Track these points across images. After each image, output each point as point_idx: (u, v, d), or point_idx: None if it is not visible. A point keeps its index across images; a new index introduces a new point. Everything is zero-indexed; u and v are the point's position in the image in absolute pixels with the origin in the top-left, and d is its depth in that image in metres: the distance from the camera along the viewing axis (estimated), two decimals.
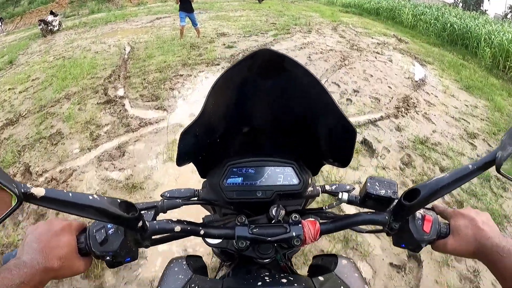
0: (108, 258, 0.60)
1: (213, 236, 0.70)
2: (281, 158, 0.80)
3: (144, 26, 12.29)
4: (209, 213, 0.94)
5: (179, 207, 0.78)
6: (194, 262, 0.83)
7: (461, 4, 51.21)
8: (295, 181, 0.79)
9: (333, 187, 0.86)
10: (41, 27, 13.27)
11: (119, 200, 0.56)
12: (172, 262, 0.82)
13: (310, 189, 0.83)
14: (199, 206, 0.92)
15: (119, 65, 7.18)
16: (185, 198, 0.81)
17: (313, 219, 0.72)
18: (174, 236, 0.70)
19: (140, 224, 0.59)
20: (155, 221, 0.65)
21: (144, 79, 6.06)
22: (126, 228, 0.61)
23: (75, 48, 9.61)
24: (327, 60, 7.32)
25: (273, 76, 0.65)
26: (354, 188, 0.85)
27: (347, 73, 6.55)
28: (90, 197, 0.50)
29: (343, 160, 0.77)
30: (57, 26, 14.14)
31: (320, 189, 0.86)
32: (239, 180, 0.78)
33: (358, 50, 8.83)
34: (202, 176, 0.88)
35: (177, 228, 0.65)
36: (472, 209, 0.68)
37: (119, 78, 6.31)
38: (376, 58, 8.15)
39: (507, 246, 0.57)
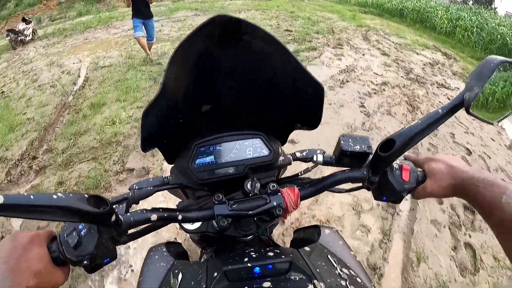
0: (85, 262, 0.55)
1: (192, 220, 0.67)
2: (248, 131, 0.77)
3: (122, 36, 9.62)
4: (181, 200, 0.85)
5: (151, 194, 0.74)
6: (175, 249, 0.84)
7: (471, 2, 48.74)
8: (265, 152, 0.77)
9: (304, 153, 0.81)
10: (9, 38, 10.95)
11: (86, 195, 0.50)
12: (152, 250, 0.82)
13: (281, 158, 0.80)
14: (170, 196, 0.90)
15: (48, 124, 4.72)
16: (155, 187, 0.74)
17: (291, 186, 0.71)
18: (152, 227, 0.66)
19: (113, 218, 0.54)
20: (129, 213, 0.61)
21: (61, 182, 3.37)
22: (99, 226, 0.56)
23: (25, 74, 7.28)
24: (391, 112, 4.67)
25: (233, 44, 0.63)
26: (324, 152, 0.81)
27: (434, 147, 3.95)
28: (54, 196, 0.45)
29: (312, 121, 0.76)
30: (30, 35, 11.77)
31: (291, 157, 0.82)
32: (208, 159, 0.75)
33: (419, 82, 6.22)
34: (169, 162, 0.83)
35: (153, 217, 0.63)
36: (442, 154, 0.70)
37: (29, 170, 3.65)
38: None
39: (481, 176, 0.60)
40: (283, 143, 0.86)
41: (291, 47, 7.10)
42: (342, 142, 0.69)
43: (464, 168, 0.64)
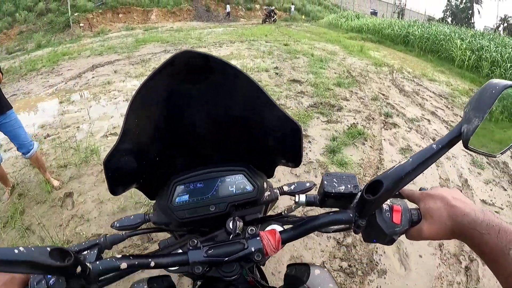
0: None
1: (165, 266, 0.61)
2: (230, 166, 0.73)
3: (55, 92, 6.48)
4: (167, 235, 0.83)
5: (124, 240, 0.70)
6: (159, 284, 0.75)
7: (450, 19, 48.56)
8: (248, 188, 0.72)
9: (292, 187, 0.77)
10: None
11: (49, 249, 0.46)
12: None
13: (267, 193, 0.75)
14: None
15: None
16: (136, 225, 0.73)
17: (272, 229, 0.65)
18: (125, 272, 0.60)
19: (79, 269, 0.51)
20: (98, 262, 0.57)
21: None
22: (65, 277, 0.52)
23: None
24: None
25: (201, 80, 0.60)
26: (314, 185, 0.78)
27: None
28: (16, 251, 0.43)
29: (293, 159, 0.72)
30: None
31: (278, 191, 0.77)
32: (187, 197, 0.70)
33: None
34: (150, 198, 0.77)
35: (123, 265, 0.58)
36: (440, 187, 0.62)
37: None
38: None
39: (484, 220, 0.52)
40: (269, 176, 0.79)
41: (321, 141, 4.17)
42: (325, 182, 0.64)
43: (465, 209, 0.54)
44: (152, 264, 0.60)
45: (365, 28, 18.13)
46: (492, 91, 0.53)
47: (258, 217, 0.76)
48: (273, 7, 25.37)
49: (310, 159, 3.64)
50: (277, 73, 6.92)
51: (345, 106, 5.25)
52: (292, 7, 29.92)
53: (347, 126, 4.52)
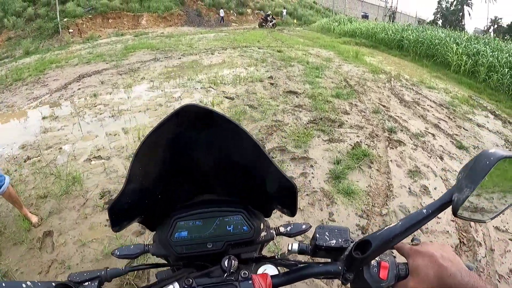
0: None
1: None
2: (229, 207, 0.75)
3: (39, 105, 5.98)
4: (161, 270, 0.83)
5: (125, 274, 0.71)
6: None
7: (440, 21, 48.88)
8: (245, 228, 0.73)
9: (288, 228, 0.78)
10: None
11: (53, 284, 0.54)
12: None
13: (263, 233, 0.77)
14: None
15: None
16: (135, 255, 0.74)
17: (264, 273, 0.67)
18: None
19: None
20: None
21: None
22: None
23: None
24: None
25: (204, 130, 0.64)
26: (310, 227, 0.79)
27: None
28: (24, 285, 0.48)
29: (289, 210, 0.74)
30: None
31: (274, 232, 0.78)
32: (186, 233, 0.72)
33: None
34: (150, 230, 0.80)
35: None
36: (431, 243, 0.61)
37: None
38: None
39: (470, 282, 0.52)
40: (267, 216, 0.80)
41: (324, 165, 3.76)
42: (317, 235, 0.66)
43: (452, 269, 0.54)
44: None
45: (358, 32, 17.91)
46: (486, 161, 0.54)
47: (253, 256, 0.76)
48: (269, 12, 25.09)
49: (314, 188, 3.27)
50: (272, 84, 6.55)
51: (346, 121, 4.90)
52: (284, 11, 29.68)
53: (351, 145, 4.16)
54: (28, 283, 0.48)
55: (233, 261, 0.66)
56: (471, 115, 6.62)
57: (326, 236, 0.66)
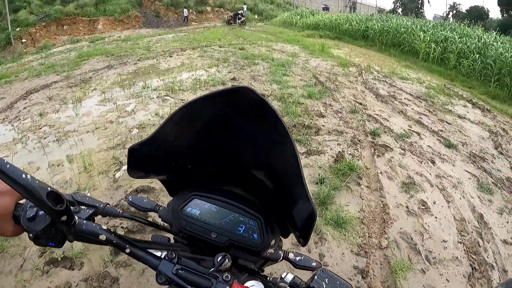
0: (31, 235, 0.57)
1: (137, 259, 0.62)
2: (249, 208, 0.70)
3: None
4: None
5: (118, 217, 0.75)
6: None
7: (400, 9, 49.89)
8: (255, 236, 0.68)
9: (297, 258, 0.71)
10: None
11: (49, 189, 0.51)
12: None
13: (270, 251, 0.71)
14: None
15: None
16: (144, 208, 0.74)
17: (247, 284, 0.62)
18: (100, 242, 0.63)
19: (64, 218, 0.55)
20: (85, 221, 0.61)
21: None
22: (51, 217, 0.57)
23: None
24: None
25: (249, 119, 0.60)
26: (320, 266, 0.69)
27: None
28: (23, 175, 0.48)
29: (302, 237, 0.67)
30: None
31: (282, 254, 0.71)
32: (198, 213, 0.70)
33: None
34: (170, 195, 0.79)
35: (102, 237, 0.61)
36: None
37: None
38: None
39: None
40: (284, 236, 0.74)
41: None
42: (315, 277, 0.61)
43: None
44: (127, 251, 0.62)
45: (321, 24, 17.49)
46: None
47: (249, 267, 0.70)
48: (241, 11, 24.31)
49: None
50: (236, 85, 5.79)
51: (323, 125, 4.24)
52: (245, 7, 28.91)
53: (333, 157, 3.50)
54: (28, 176, 0.48)
55: (227, 260, 0.63)
56: (450, 106, 6.22)
57: (324, 284, 0.60)
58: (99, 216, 0.67)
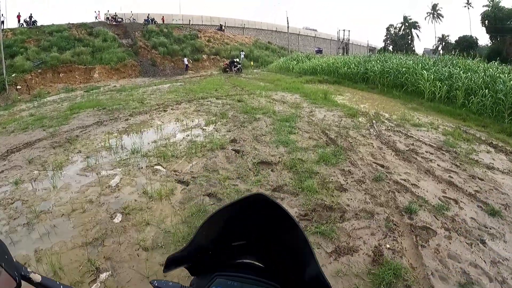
0: None
1: None
2: (267, 279, 0.78)
3: None
4: None
5: None
6: None
7: (391, 47, 50.97)
8: None
9: None
10: None
11: None
12: None
13: None
14: None
15: None
16: None
17: None
18: None
19: None
20: None
21: None
22: None
23: None
24: None
25: (264, 218, 0.67)
26: None
27: None
28: None
29: None
30: None
31: None
32: None
33: None
34: (192, 274, 0.86)
35: None
36: None
37: None
38: None
39: None
40: None
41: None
42: None
43: None
44: None
45: (319, 69, 17.30)
46: None
47: None
48: (237, 59, 24.48)
49: None
50: (237, 151, 5.13)
51: (347, 205, 3.50)
52: (242, 53, 29.27)
53: (369, 255, 2.73)
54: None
55: None
56: (474, 155, 5.59)
57: None
58: None
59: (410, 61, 13.00)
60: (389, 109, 9.16)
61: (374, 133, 6.26)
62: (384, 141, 5.82)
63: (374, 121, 7.15)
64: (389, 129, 6.67)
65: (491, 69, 10.70)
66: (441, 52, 45.50)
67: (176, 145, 5.70)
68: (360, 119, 7.36)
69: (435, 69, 11.67)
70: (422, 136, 6.46)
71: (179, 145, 5.70)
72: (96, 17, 30.28)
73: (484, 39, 51.58)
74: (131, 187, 4.35)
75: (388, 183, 4.13)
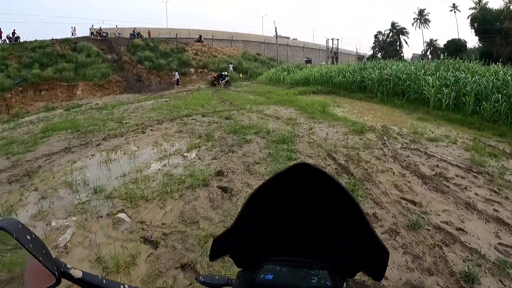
0: None
1: None
2: (317, 261, 0.76)
3: None
4: None
5: None
6: None
7: (379, 54, 50.69)
8: (328, 284, 0.72)
9: None
10: None
11: None
12: None
13: None
14: None
15: None
16: (217, 285, 0.79)
17: None
18: None
19: None
20: None
21: None
22: None
23: None
24: None
25: (310, 188, 0.67)
26: None
27: None
28: (121, 287, 0.53)
29: (375, 275, 0.72)
30: None
31: None
32: (271, 277, 0.73)
33: None
34: (238, 266, 0.81)
35: None
36: None
37: None
38: None
39: None
40: (350, 276, 0.77)
41: None
42: None
43: None
44: None
45: (312, 79, 16.37)
46: None
47: None
48: (225, 72, 23.55)
49: None
50: (223, 189, 4.03)
51: (385, 277, 2.40)
52: (230, 66, 28.38)
53: None
54: (126, 286, 0.53)
55: None
56: (509, 174, 4.67)
57: None
58: None
59: (411, 66, 12.10)
60: (396, 121, 8.20)
61: (390, 154, 5.23)
62: (404, 164, 4.78)
63: (385, 138, 6.12)
64: (405, 147, 5.65)
65: (501, 72, 9.84)
66: (429, 57, 45.30)
67: (149, 180, 4.59)
68: (368, 135, 6.34)
69: (439, 74, 10.79)
70: (443, 153, 5.46)
71: (152, 180, 4.59)
72: (72, 33, 28.94)
73: (472, 42, 51.61)
74: (83, 248, 3.23)
75: (429, 230, 3.07)
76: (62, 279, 0.48)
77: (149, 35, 32.95)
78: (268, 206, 0.70)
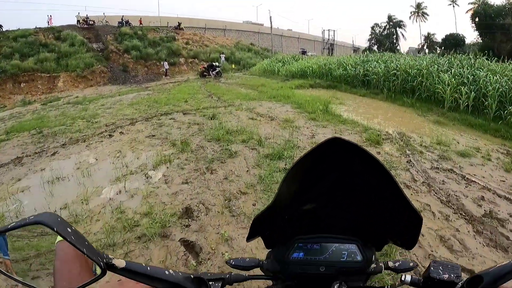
0: None
1: None
2: (346, 235, 0.76)
3: None
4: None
5: (246, 280, 0.76)
6: None
7: (375, 46, 49.33)
8: (358, 258, 0.74)
9: (396, 264, 0.77)
10: None
11: (192, 276, 0.58)
12: None
13: (373, 265, 0.76)
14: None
15: None
16: (249, 267, 0.78)
17: None
18: None
19: None
20: None
21: None
22: None
23: None
24: None
25: (343, 163, 0.65)
26: (417, 265, 0.83)
27: None
28: (166, 272, 0.53)
29: (407, 244, 0.73)
30: None
31: (383, 265, 0.77)
32: (303, 255, 0.75)
33: None
34: (267, 247, 0.83)
35: None
36: None
37: None
38: None
39: None
40: (378, 249, 0.80)
41: None
42: (432, 268, 0.64)
43: None
44: None
45: (309, 71, 14.99)
46: None
47: (360, 285, 0.76)
48: (216, 62, 22.04)
49: None
50: (188, 245, 2.70)
51: None
52: (222, 56, 26.87)
53: None
54: (171, 271, 0.54)
55: (343, 287, 0.67)
56: None
57: (440, 270, 0.64)
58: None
59: (423, 61, 10.78)
60: (411, 126, 6.95)
61: (421, 179, 3.93)
62: (443, 198, 3.48)
63: (408, 152, 4.82)
64: (436, 167, 4.37)
65: None
66: (426, 51, 44.01)
67: (91, 220, 3.26)
68: (386, 148, 5.04)
69: (454, 71, 9.50)
70: (483, 177, 4.24)
71: (95, 220, 3.25)
72: (48, 22, 26.84)
73: (471, 37, 50.38)
74: None
75: None
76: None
77: (140, 23, 31.19)
78: (303, 182, 0.69)
